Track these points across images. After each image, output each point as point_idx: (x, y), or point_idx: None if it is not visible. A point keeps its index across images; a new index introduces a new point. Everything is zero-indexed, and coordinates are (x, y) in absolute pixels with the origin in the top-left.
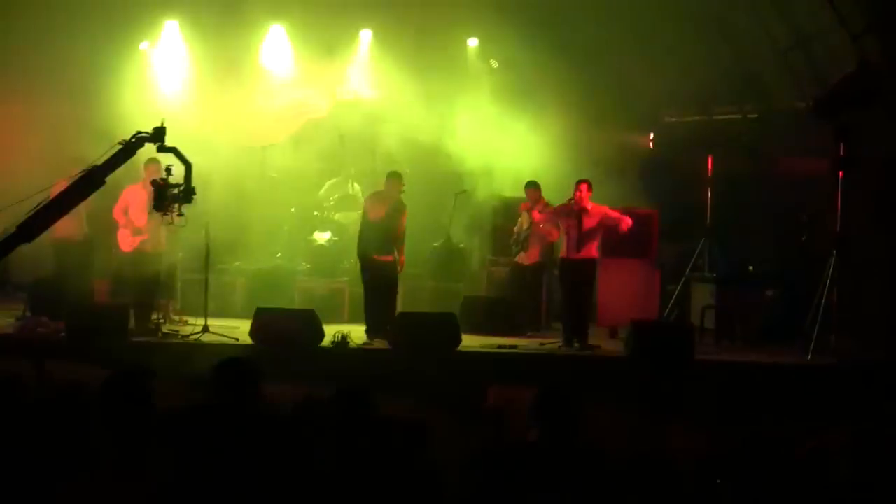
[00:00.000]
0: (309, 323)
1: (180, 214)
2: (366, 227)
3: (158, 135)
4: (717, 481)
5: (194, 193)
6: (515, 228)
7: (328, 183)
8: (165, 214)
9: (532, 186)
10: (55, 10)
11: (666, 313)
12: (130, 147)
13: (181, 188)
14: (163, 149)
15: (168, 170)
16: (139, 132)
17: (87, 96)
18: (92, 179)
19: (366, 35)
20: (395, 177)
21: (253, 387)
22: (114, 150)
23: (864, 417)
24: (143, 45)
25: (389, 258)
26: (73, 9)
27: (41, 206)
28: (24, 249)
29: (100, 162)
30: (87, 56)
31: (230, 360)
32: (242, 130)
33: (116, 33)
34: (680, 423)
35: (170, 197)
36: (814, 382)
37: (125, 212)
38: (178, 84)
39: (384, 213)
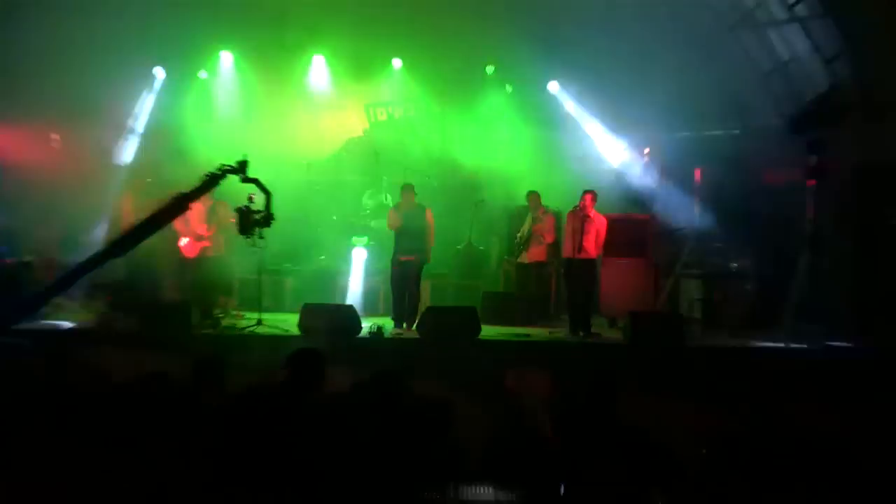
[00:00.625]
0: (349, 316)
1: (261, 237)
2: (395, 234)
3: (242, 167)
4: (703, 451)
5: (273, 219)
6: (518, 234)
7: (365, 194)
8: (248, 237)
9: (532, 194)
10: (123, 44)
11: (659, 305)
12: (215, 178)
13: (262, 214)
14: (246, 180)
15: (250, 198)
16: (223, 165)
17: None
18: (179, 205)
19: (397, 63)
20: (407, 188)
21: (321, 373)
22: (201, 181)
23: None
24: (202, 74)
25: (411, 258)
26: (140, 42)
27: (133, 226)
28: None
29: (188, 190)
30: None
31: (303, 351)
32: (290, 148)
33: (179, 63)
34: (673, 401)
35: (252, 222)
36: (788, 365)
37: (186, 222)
38: (232, 107)
39: (400, 222)
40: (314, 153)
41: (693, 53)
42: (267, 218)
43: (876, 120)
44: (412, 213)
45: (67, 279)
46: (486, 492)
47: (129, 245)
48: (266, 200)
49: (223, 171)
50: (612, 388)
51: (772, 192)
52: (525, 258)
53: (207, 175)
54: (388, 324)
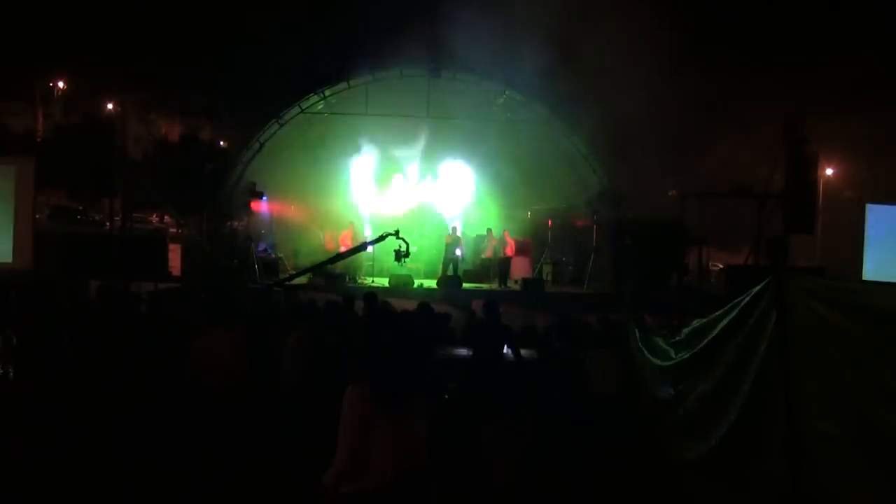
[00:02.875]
0: (409, 279)
1: (404, 264)
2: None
3: (396, 233)
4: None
5: (410, 255)
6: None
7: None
8: (398, 263)
9: (489, 231)
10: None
11: (535, 273)
12: (382, 237)
13: (405, 253)
14: (398, 238)
15: (400, 246)
16: (386, 232)
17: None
18: (364, 247)
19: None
20: (453, 230)
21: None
22: (377, 237)
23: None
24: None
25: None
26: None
27: (342, 253)
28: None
29: (367, 240)
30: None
31: (370, 292)
32: (384, 208)
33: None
34: (540, 313)
35: (402, 256)
36: (584, 300)
37: (344, 241)
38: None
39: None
40: (394, 212)
41: (545, 171)
42: (407, 255)
43: (619, 201)
44: (454, 239)
45: (305, 271)
46: (461, 351)
47: (338, 261)
48: (407, 246)
49: (386, 235)
50: (497, 305)
51: (579, 229)
52: (484, 255)
53: (378, 237)
54: (426, 283)
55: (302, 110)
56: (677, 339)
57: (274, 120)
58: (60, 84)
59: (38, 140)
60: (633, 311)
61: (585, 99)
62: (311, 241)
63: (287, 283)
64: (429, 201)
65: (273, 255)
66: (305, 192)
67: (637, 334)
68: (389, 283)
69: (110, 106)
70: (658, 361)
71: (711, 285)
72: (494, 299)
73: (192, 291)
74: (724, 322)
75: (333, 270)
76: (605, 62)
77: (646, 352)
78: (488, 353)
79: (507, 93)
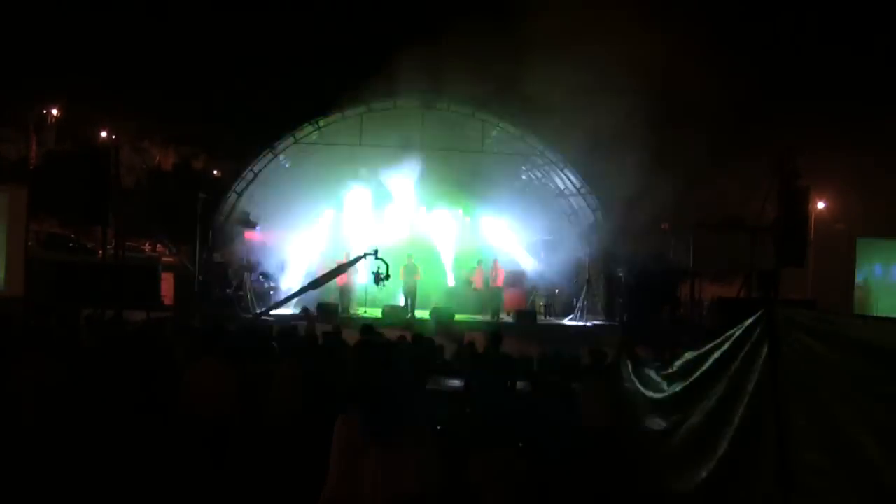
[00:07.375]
0: (402, 310)
1: (384, 285)
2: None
3: (375, 253)
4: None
5: (390, 277)
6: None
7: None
8: (377, 285)
9: (479, 263)
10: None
11: (527, 305)
12: (360, 258)
13: (385, 275)
14: (376, 258)
15: (379, 268)
16: (367, 252)
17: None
18: (343, 269)
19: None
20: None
21: (372, 331)
22: (354, 257)
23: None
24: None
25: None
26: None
27: (322, 276)
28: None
29: (346, 261)
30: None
31: (367, 325)
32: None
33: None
34: (533, 345)
35: (380, 279)
36: (576, 332)
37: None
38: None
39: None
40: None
41: (539, 204)
42: (387, 277)
43: (611, 234)
44: (411, 267)
45: (290, 297)
46: (454, 382)
47: (319, 285)
48: (386, 268)
49: (365, 255)
50: (500, 335)
51: (572, 261)
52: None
53: (360, 256)
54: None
55: (296, 140)
56: (669, 371)
57: (268, 149)
58: (54, 111)
59: (31, 167)
60: (625, 343)
61: (580, 133)
62: (304, 270)
63: (273, 308)
64: (422, 232)
65: (266, 285)
66: (299, 222)
67: (629, 366)
68: (382, 314)
69: (104, 134)
70: (650, 393)
71: (703, 317)
72: (498, 331)
73: (185, 321)
74: (716, 354)
75: (325, 300)
76: (598, 97)
77: (638, 384)
78: (488, 384)
79: (500, 125)
